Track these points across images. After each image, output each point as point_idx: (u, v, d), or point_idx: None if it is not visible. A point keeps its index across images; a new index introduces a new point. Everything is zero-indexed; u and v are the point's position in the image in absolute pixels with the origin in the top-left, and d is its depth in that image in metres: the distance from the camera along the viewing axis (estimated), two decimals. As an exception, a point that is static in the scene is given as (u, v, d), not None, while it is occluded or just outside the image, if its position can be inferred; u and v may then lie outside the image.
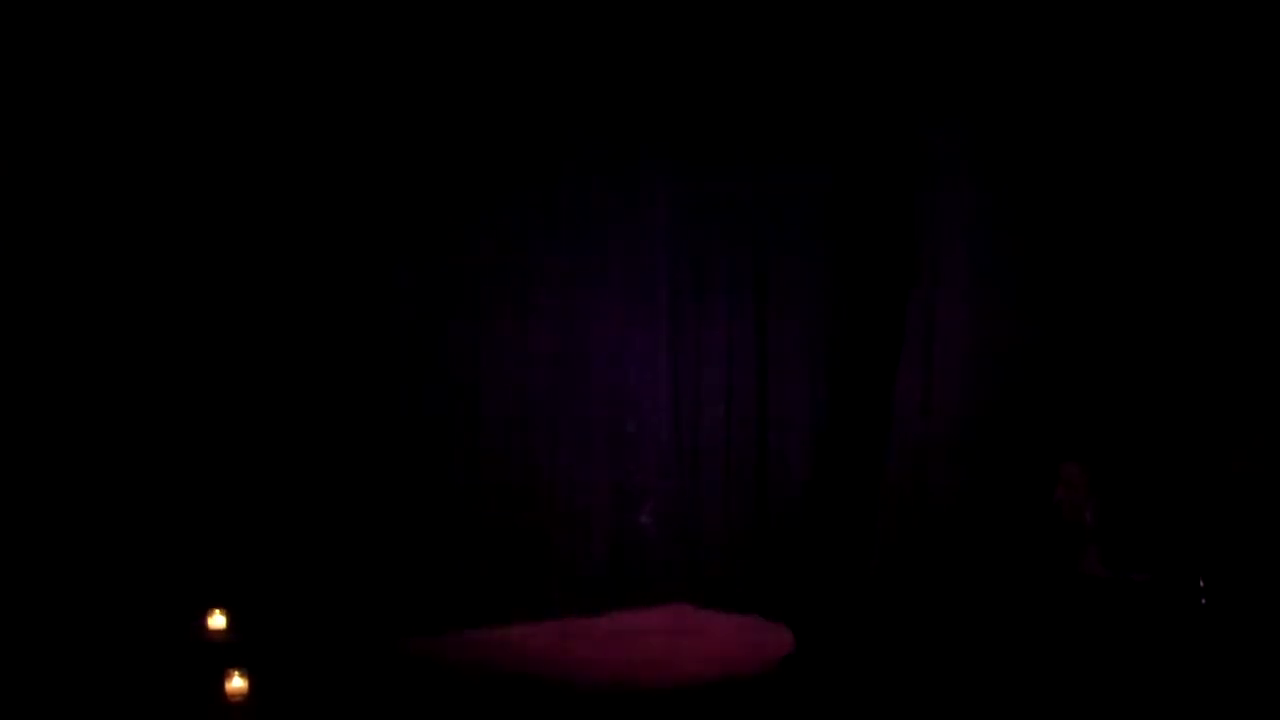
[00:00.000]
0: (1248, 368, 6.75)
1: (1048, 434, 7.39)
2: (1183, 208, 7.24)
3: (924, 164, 8.46)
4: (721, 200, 9.70)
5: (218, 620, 6.93)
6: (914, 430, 8.39)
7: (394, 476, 9.16)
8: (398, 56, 8.96)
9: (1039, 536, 6.41)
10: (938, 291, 8.32)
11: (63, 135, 8.13)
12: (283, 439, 8.83)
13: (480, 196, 9.38)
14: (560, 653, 8.42)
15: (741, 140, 9.52)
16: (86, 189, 8.20)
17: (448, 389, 9.37)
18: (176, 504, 8.39)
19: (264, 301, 8.83)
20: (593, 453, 9.79)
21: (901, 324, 8.54)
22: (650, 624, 9.29)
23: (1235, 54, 7.02)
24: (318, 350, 9.00)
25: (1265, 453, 5.71)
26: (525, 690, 7.60)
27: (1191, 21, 7.18)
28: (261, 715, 6.38)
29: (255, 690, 6.34)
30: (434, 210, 9.30)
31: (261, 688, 6.39)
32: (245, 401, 8.74)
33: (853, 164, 9.03)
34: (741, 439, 9.66)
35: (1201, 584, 5.24)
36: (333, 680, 7.02)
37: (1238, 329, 6.93)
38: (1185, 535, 5.73)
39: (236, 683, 6.26)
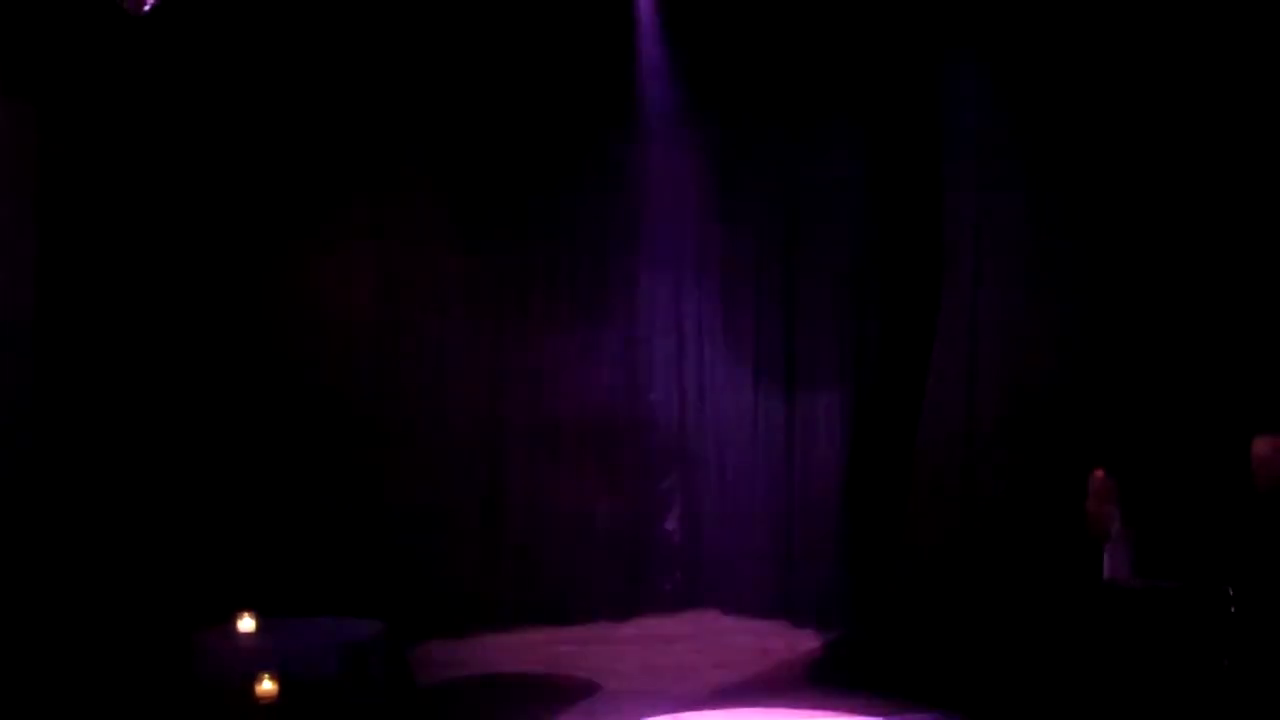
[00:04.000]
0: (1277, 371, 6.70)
1: (1078, 440, 7.35)
2: (1221, 206, 7.17)
3: (958, 159, 8.38)
4: (749, 199, 9.67)
5: (247, 623, 6.95)
6: (947, 432, 8.34)
7: (418, 482, 9.20)
8: (413, 53, 8.99)
9: (1068, 543, 6.39)
10: (977, 290, 8.24)
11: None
12: (306, 444, 8.89)
13: (501, 197, 9.40)
14: (586, 658, 8.42)
15: (769, 136, 9.49)
16: (104, 190, 8.25)
17: (468, 393, 9.40)
18: (202, 506, 8.45)
19: (275, 310, 8.88)
20: (620, 458, 9.79)
21: (932, 325, 8.48)
22: (676, 630, 9.29)
23: None
24: (333, 356, 9.05)
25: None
26: (550, 695, 7.61)
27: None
28: (290, 717, 6.41)
29: (284, 693, 6.36)
30: (454, 210, 9.33)
31: (291, 690, 6.41)
32: (266, 408, 8.80)
33: (883, 156, 8.99)
34: (769, 443, 9.63)
35: (1230, 592, 5.21)
36: (357, 681, 7.03)
37: (1267, 332, 6.88)
38: (1214, 543, 5.70)
39: (266, 685, 6.29)
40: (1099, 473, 6.35)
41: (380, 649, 6.86)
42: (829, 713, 6.78)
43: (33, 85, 7.64)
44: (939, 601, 8.01)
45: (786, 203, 9.50)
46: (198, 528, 8.36)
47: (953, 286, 8.39)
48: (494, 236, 9.45)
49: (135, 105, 8.19)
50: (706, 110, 9.53)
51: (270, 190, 8.82)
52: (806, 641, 8.71)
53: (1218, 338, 7.12)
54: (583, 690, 7.65)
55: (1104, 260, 7.68)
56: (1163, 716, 5.15)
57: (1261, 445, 5.71)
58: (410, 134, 9.10)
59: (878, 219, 9.10)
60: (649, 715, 6.81)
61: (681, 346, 9.93)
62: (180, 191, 8.49)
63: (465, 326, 9.38)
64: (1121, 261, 7.61)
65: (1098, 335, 7.66)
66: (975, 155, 8.32)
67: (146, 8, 6.88)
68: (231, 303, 8.72)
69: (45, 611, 7.45)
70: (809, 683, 7.86)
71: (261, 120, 8.73)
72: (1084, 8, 7.62)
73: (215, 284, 8.64)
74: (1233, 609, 5.20)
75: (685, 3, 9.29)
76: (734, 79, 9.41)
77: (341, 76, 8.86)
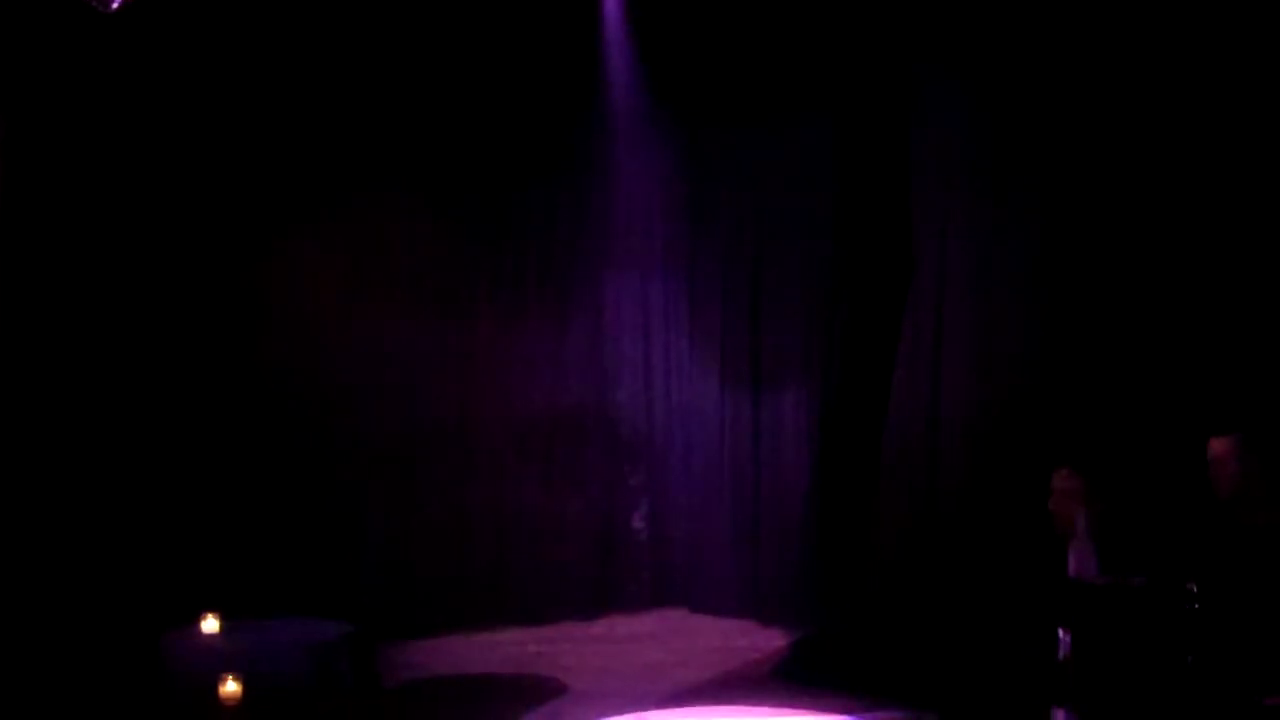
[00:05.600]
0: (1243, 371, 6.76)
1: (1042, 438, 7.40)
2: (1183, 208, 7.23)
3: (925, 163, 8.43)
4: (717, 199, 9.70)
5: (210, 624, 6.93)
6: (912, 431, 8.38)
7: (386, 482, 9.18)
8: (386, 48, 8.97)
9: (1033, 541, 6.43)
10: (943, 291, 8.28)
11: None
12: (273, 445, 8.86)
13: (472, 196, 9.40)
14: (553, 658, 8.42)
15: (738, 136, 9.51)
16: (81, 192, 8.20)
17: (441, 395, 9.38)
18: (169, 508, 8.41)
19: (243, 308, 8.84)
20: (587, 457, 9.79)
21: (898, 324, 8.52)
22: (644, 629, 9.31)
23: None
24: (305, 358, 9.02)
25: (1261, 457, 5.73)
26: (518, 695, 7.60)
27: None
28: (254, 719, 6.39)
29: (248, 694, 6.34)
30: (426, 210, 9.32)
31: (255, 692, 6.39)
32: (235, 408, 8.76)
33: (852, 158, 9.02)
34: (736, 442, 9.66)
35: (1194, 589, 5.26)
36: (325, 683, 7.01)
37: (1233, 332, 6.94)
38: (1177, 541, 5.75)
39: (230, 686, 6.27)
40: (1063, 471, 6.38)
41: (347, 651, 6.85)
42: (797, 711, 6.80)
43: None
44: (906, 599, 8.05)
45: (754, 202, 9.53)
46: (165, 528, 8.32)
47: (918, 286, 8.43)
48: (462, 236, 9.45)
49: (100, 100, 8.14)
50: (676, 110, 9.56)
51: (238, 188, 8.80)
52: (774, 640, 8.74)
53: (1182, 337, 7.19)
54: (550, 690, 7.65)
55: (1069, 261, 7.73)
56: (1127, 712, 5.19)
57: (1217, 447, 5.77)
58: (379, 133, 9.08)
59: (846, 220, 9.13)
60: (617, 715, 6.81)
61: (649, 345, 9.95)
62: (146, 188, 8.45)
63: (434, 325, 9.38)
64: (1086, 263, 7.66)
65: (1062, 335, 7.71)
66: (942, 158, 8.36)
67: (115, 6, 6.83)
68: (199, 300, 8.69)
69: (11, 613, 7.41)
70: (777, 681, 7.88)
71: (229, 119, 8.70)
72: (1054, 18, 7.68)
73: (182, 282, 8.61)
74: (1196, 605, 5.25)
75: (654, 4, 9.31)
76: (703, 80, 9.44)
77: (312, 75, 8.84)
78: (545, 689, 7.67)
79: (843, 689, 7.17)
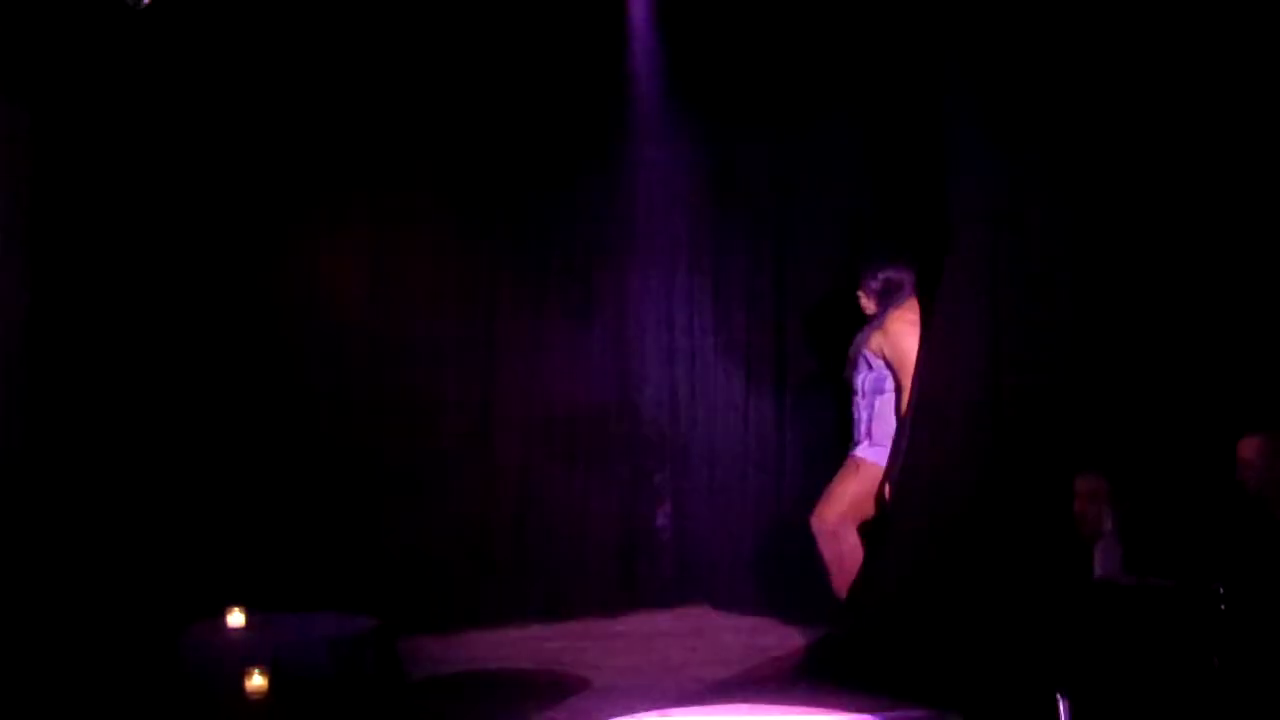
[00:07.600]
0: (1272, 369, 6.73)
1: (1068, 440, 7.37)
2: (1211, 205, 7.20)
3: (957, 168, 8.40)
4: (742, 198, 9.69)
5: (236, 618, 6.96)
6: (932, 432, 8.35)
7: (409, 475, 9.20)
8: (409, 46, 8.98)
9: (1058, 543, 6.42)
10: (968, 293, 8.25)
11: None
12: (297, 438, 8.89)
13: (496, 192, 9.41)
14: (575, 654, 8.43)
15: (764, 135, 9.49)
16: (107, 189, 8.24)
17: (459, 388, 9.40)
18: (194, 501, 8.45)
19: (268, 307, 8.87)
20: (609, 453, 9.80)
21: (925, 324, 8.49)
22: (666, 626, 9.31)
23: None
24: (325, 351, 9.05)
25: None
26: (539, 691, 7.61)
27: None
28: (280, 713, 6.41)
29: (274, 688, 6.37)
30: (449, 205, 9.33)
31: (280, 685, 6.41)
32: (258, 402, 8.80)
33: (880, 158, 9.01)
34: (759, 438, 9.65)
35: (1221, 591, 5.25)
36: (349, 677, 7.03)
37: (1261, 329, 6.91)
38: (1205, 542, 5.74)
39: (256, 680, 6.29)
40: (1088, 472, 6.37)
41: (372, 645, 6.87)
42: (819, 710, 6.80)
43: (28, 88, 7.64)
44: (929, 599, 8.02)
45: (780, 200, 9.52)
46: (188, 522, 8.36)
47: (944, 286, 8.40)
48: (487, 234, 9.46)
49: (129, 97, 8.18)
50: (701, 109, 9.55)
51: (264, 187, 8.83)
52: (796, 638, 8.73)
53: (1207, 337, 7.15)
54: (572, 686, 7.66)
55: (1092, 261, 7.71)
56: (1153, 714, 5.18)
57: (1247, 447, 5.75)
58: (406, 132, 9.10)
59: (872, 221, 9.13)
60: (638, 712, 6.81)
61: (672, 343, 9.94)
62: (175, 187, 8.49)
63: (458, 322, 9.40)
64: (1110, 262, 7.63)
65: (1087, 335, 7.68)
66: (971, 166, 8.34)
67: (146, 1, 6.87)
68: (224, 298, 8.72)
69: (34, 607, 7.45)
70: (799, 679, 7.87)
71: (257, 116, 8.73)
72: (1090, 18, 7.64)
73: (208, 279, 8.64)
74: (1223, 607, 5.24)
75: (680, 3, 9.30)
76: (730, 79, 9.43)
77: (339, 73, 8.86)
78: (567, 685, 7.68)
79: (864, 688, 7.17)
